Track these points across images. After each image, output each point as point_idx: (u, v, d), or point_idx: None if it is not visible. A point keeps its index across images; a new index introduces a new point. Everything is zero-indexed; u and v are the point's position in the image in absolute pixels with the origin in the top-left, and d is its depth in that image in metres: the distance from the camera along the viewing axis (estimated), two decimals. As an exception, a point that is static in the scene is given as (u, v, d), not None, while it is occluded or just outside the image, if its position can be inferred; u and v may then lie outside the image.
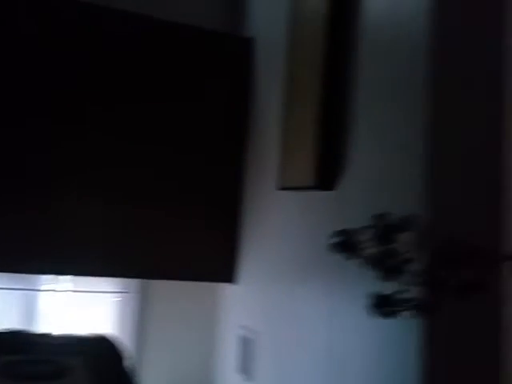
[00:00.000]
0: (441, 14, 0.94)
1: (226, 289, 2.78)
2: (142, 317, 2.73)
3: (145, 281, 2.74)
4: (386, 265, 0.73)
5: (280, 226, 2.27)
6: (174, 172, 2.57)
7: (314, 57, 1.98)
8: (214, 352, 2.82)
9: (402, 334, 0.97)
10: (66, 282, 2.68)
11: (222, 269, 2.67)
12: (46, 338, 1.48)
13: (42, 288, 2.65)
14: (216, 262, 2.66)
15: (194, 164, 2.61)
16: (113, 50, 2.50)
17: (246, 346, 2.41)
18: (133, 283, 2.76)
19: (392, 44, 1.57)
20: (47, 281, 2.66)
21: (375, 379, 1.25)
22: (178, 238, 2.58)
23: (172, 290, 2.74)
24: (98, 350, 1.37)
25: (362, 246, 0.74)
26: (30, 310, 2.60)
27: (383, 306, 0.74)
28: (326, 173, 1.91)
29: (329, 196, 1.88)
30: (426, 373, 0.84)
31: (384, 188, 1.43)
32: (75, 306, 2.68)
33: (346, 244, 0.75)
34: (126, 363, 1.35)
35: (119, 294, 2.75)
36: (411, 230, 0.74)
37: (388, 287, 0.76)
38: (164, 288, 2.74)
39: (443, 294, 0.74)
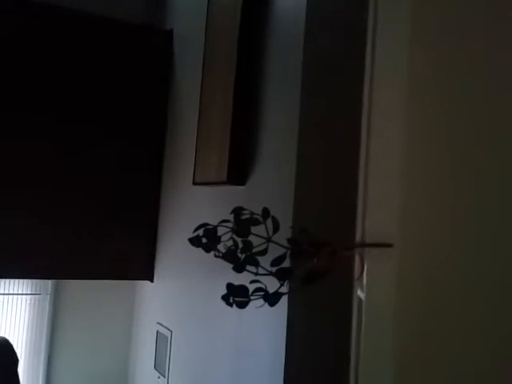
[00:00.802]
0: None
1: (143, 287, 2.78)
2: (56, 318, 2.69)
3: (59, 282, 2.70)
4: (239, 257, 0.78)
5: (193, 221, 2.29)
6: (92, 170, 2.54)
7: (229, 50, 2.02)
8: (132, 350, 2.83)
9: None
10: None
11: (141, 267, 2.67)
12: None
13: None
14: (134, 260, 2.66)
15: (113, 161, 2.59)
16: (32, 43, 2.44)
17: (161, 343, 2.44)
18: (46, 285, 2.70)
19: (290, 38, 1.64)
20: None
21: (277, 374, 1.31)
22: (95, 236, 2.55)
23: (87, 290, 2.72)
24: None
25: (220, 240, 0.79)
26: None
27: (236, 295, 0.79)
28: (238, 168, 1.96)
29: (239, 190, 1.94)
30: (288, 354, 0.91)
31: (279, 187, 1.50)
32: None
33: (205, 237, 0.80)
34: (16, 368, 1.33)
35: (32, 296, 2.69)
36: (265, 223, 0.80)
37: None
38: (79, 289, 2.71)
39: (292, 283, 0.80)
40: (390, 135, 0.82)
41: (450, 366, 0.90)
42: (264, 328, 1.69)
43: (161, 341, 2.45)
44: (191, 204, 2.35)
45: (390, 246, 0.85)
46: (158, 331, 2.50)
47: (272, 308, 1.66)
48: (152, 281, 2.66)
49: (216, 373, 1.98)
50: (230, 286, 0.80)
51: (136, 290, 2.87)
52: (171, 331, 2.37)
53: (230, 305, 0.80)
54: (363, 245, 0.83)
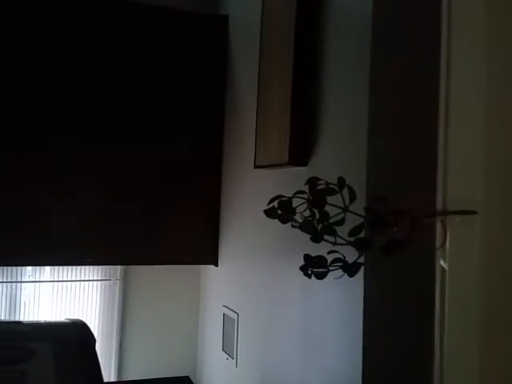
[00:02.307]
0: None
1: (208, 270, 2.84)
2: (125, 303, 2.79)
3: (127, 267, 2.80)
4: (317, 227, 0.77)
5: (256, 204, 2.32)
6: (153, 157, 2.61)
7: (287, 35, 2.01)
8: (200, 332, 2.90)
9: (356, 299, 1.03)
10: (48, 271, 2.73)
11: (206, 251, 2.72)
12: (14, 325, 1.52)
13: (24, 279, 2.70)
14: (199, 245, 2.72)
15: (173, 147, 2.64)
16: (87, 33, 2.52)
17: (228, 325, 2.48)
18: (115, 271, 2.81)
19: (352, 23, 1.61)
20: (30, 272, 2.70)
21: (347, 352, 1.31)
22: (160, 222, 2.62)
23: (154, 275, 2.80)
24: (65, 335, 1.41)
25: (296, 211, 0.79)
26: (13, 302, 2.65)
27: (314, 266, 0.79)
28: (299, 149, 1.96)
29: (301, 172, 1.93)
30: (366, 328, 0.90)
31: (348, 162, 1.48)
32: (58, 296, 2.73)
33: (280, 209, 0.80)
34: (94, 348, 1.40)
35: (103, 282, 2.81)
36: (341, 193, 0.79)
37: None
38: (146, 274, 2.80)
39: (371, 253, 0.79)
40: (472, 92, 0.78)
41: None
42: (332, 306, 1.68)
43: (228, 323, 2.50)
44: (253, 187, 2.37)
45: (473, 213, 0.82)
46: (224, 314, 2.54)
47: (340, 286, 1.65)
48: (216, 265, 2.71)
49: (284, 352, 1.99)
50: (307, 256, 0.79)
51: (201, 273, 2.94)
52: (238, 313, 2.41)
53: (309, 276, 0.80)
54: (445, 212, 0.81)
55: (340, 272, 0.80)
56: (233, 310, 2.46)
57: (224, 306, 2.57)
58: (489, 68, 0.83)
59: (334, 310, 1.68)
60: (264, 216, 2.19)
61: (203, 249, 2.70)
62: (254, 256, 2.33)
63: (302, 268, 0.79)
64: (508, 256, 0.83)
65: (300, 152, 1.96)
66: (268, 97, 2.17)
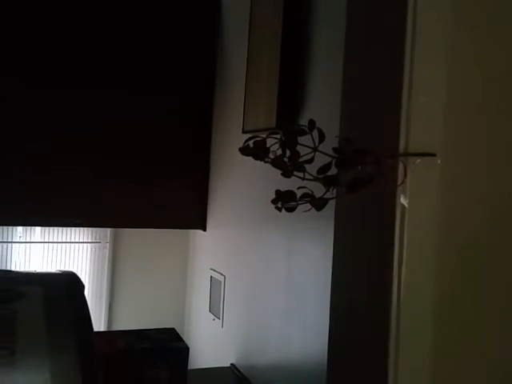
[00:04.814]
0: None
1: (196, 235, 2.93)
2: (115, 265, 2.89)
3: (117, 230, 2.88)
4: (288, 164, 0.86)
5: (243, 169, 2.40)
6: (143, 121, 2.67)
7: (276, 8, 2.07)
8: (188, 294, 3.00)
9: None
10: (38, 233, 2.80)
11: (194, 216, 2.81)
12: (4, 272, 1.61)
13: (15, 240, 2.78)
14: (188, 210, 2.80)
15: (164, 115, 2.71)
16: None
17: (215, 287, 2.58)
18: (105, 233, 2.89)
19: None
20: (21, 233, 2.78)
21: (327, 307, 1.40)
22: (149, 187, 2.70)
23: (144, 238, 2.89)
24: (55, 280, 1.49)
25: (269, 150, 0.87)
26: (3, 263, 2.73)
27: (285, 200, 0.87)
28: (285, 114, 2.03)
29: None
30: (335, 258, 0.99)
31: (334, 118, 1.56)
32: (48, 257, 2.81)
33: (255, 148, 0.88)
34: (83, 294, 1.49)
35: (92, 244, 2.89)
36: (311, 134, 0.87)
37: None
38: (136, 237, 2.89)
39: (337, 190, 0.87)
40: (435, 40, 0.86)
41: (493, 274, 0.95)
42: (313, 266, 1.78)
43: (214, 285, 2.60)
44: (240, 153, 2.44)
45: (433, 155, 0.90)
46: (211, 276, 2.65)
47: (321, 245, 1.75)
48: (205, 230, 2.80)
49: (268, 311, 2.10)
50: (278, 191, 0.88)
51: (190, 238, 3.03)
52: (224, 276, 2.51)
53: (279, 209, 0.88)
54: (406, 154, 0.89)
55: (309, 206, 0.88)
56: (220, 273, 2.56)
57: (211, 269, 2.67)
58: (454, 20, 0.91)
59: (314, 269, 1.78)
60: (251, 180, 2.29)
61: (192, 214, 2.79)
62: (240, 221, 2.42)
63: (272, 201, 0.87)
64: (463, 195, 0.92)
65: (286, 117, 2.04)
66: (257, 63, 2.25)
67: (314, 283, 1.82)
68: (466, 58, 0.91)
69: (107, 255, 2.89)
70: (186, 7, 2.75)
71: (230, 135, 2.57)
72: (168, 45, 2.71)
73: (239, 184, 2.47)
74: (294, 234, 1.94)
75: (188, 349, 1.87)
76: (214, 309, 2.60)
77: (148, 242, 2.93)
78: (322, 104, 1.83)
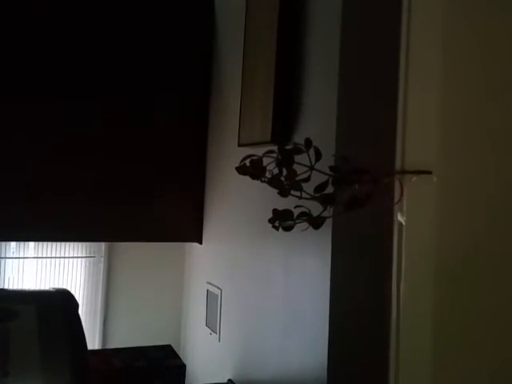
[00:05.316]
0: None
1: (192, 248, 2.92)
2: (110, 280, 2.87)
3: (112, 244, 2.87)
4: (284, 183, 0.86)
5: (239, 182, 2.40)
6: (139, 136, 2.67)
7: (271, 16, 2.08)
8: (184, 308, 2.99)
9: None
10: (32, 248, 2.78)
11: (190, 229, 2.80)
12: (-1, 291, 1.60)
13: (8, 255, 2.75)
14: (183, 223, 2.79)
15: (159, 127, 2.71)
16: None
17: (212, 301, 2.57)
18: (100, 248, 2.88)
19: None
20: (14, 248, 2.76)
21: (326, 322, 1.40)
22: (144, 200, 2.69)
23: (139, 252, 2.88)
24: (49, 299, 1.48)
25: (266, 169, 0.87)
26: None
27: (282, 219, 0.87)
28: (281, 128, 2.04)
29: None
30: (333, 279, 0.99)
31: (330, 130, 1.56)
32: (42, 272, 2.79)
33: (252, 167, 0.88)
34: (77, 312, 1.48)
35: (87, 259, 2.87)
36: (308, 153, 0.87)
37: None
38: (131, 251, 2.87)
39: (334, 208, 0.87)
40: (428, 61, 0.87)
41: (490, 288, 0.95)
42: (311, 280, 1.77)
43: (211, 299, 2.59)
44: (236, 165, 2.44)
45: (429, 173, 0.91)
46: (208, 290, 2.63)
47: (318, 259, 1.74)
48: (201, 243, 2.79)
49: (265, 325, 2.09)
50: (275, 210, 0.88)
51: (185, 251, 3.02)
52: (221, 289, 2.50)
53: (276, 228, 0.88)
54: (403, 172, 0.89)
55: (306, 224, 0.88)
56: (216, 286, 2.55)
57: (208, 282, 2.66)
58: (446, 44, 0.92)
59: (312, 285, 1.77)
60: (248, 193, 2.28)
61: (187, 226, 2.78)
62: (237, 234, 2.41)
63: (269, 220, 0.87)
64: (458, 212, 0.93)
65: (282, 131, 2.04)
66: (252, 76, 2.25)
67: (312, 298, 1.81)
68: (461, 80, 0.91)
69: (102, 270, 2.88)
70: (182, 15, 2.75)
71: (225, 148, 2.57)
72: (165, 58, 2.71)
73: (235, 197, 2.46)
74: (291, 248, 1.93)
75: (185, 366, 1.86)
76: (211, 323, 2.59)
77: (143, 256, 2.91)
78: (318, 117, 1.83)
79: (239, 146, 2.30)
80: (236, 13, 2.47)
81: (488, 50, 0.95)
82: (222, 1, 2.76)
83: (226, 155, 2.56)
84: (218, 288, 2.53)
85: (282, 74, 2.02)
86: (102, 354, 1.94)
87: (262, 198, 2.14)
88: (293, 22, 2.00)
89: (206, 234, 2.77)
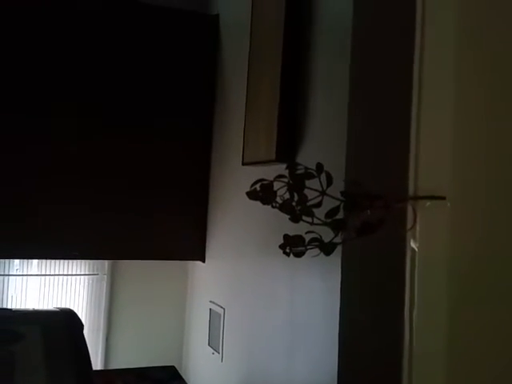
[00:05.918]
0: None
1: (195, 266, 2.90)
2: (112, 298, 2.84)
3: (115, 262, 2.85)
4: (296, 209, 0.84)
5: (243, 201, 2.38)
6: (143, 153, 2.66)
7: (276, 35, 2.09)
8: (186, 327, 2.95)
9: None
10: (35, 265, 2.76)
11: (193, 247, 2.78)
12: (2, 311, 1.57)
13: (12, 273, 2.73)
14: (186, 241, 2.78)
15: (163, 144, 2.70)
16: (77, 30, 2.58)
17: (214, 320, 2.54)
18: (103, 265, 2.86)
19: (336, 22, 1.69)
20: (17, 265, 2.74)
21: (332, 344, 1.38)
22: (148, 219, 2.68)
23: (142, 269, 2.85)
24: (54, 320, 1.46)
25: (276, 194, 0.86)
26: (0, 296, 2.68)
27: (293, 245, 0.86)
28: (286, 147, 2.03)
29: (288, 168, 2.00)
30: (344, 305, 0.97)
31: (332, 158, 1.55)
32: (45, 290, 2.77)
33: (262, 191, 0.86)
34: (82, 333, 1.46)
35: (90, 277, 2.85)
36: (319, 177, 0.86)
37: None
38: (134, 268, 2.85)
39: (346, 234, 0.86)
40: (442, 87, 0.86)
41: (505, 317, 0.93)
42: (316, 301, 1.75)
43: (214, 318, 2.56)
44: (240, 184, 2.43)
45: (442, 198, 0.89)
46: (210, 309, 2.60)
47: (324, 281, 1.72)
48: (204, 261, 2.77)
49: (269, 346, 2.06)
50: (286, 236, 0.86)
51: (188, 269, 3.00)
52: (224, 309, 2.47)
53: (287, 254, 0.86)
54: (416, 197, 0.88)
55: (317, 250, 0.86)
56: (219, 306, 2.52)
57: (210, 301, 2.63)
58: (459, 64, 0.91)
59: (318, 305, 1.75)
60: (252, 212, 2.27)
61: (191, 245, 2.76)
62: (240, 253, 2.39)
63: (281, 246, 0.86)
64: (473, 239, 0.91)
65: (286, 149, 2.04)
66: (257, 95, 2.25)
67: (317, 319, 1.78)
68: (473, 101, 0.90)
69: (105, 287, 2.85)
70: (187, 35, 2.77)
71: (229, 166, 2.56)
72: (169, 76, 2.72)
73: (239, 215, 2.45)
74: (297, 268, 1.91)
75: (188, 388, 1.82)
76: (214, 342, 2.56)
77: (146, 274, 2.89)
78: (324, 135, 1.83)
79: (243, 164, 2.29)
80: (241, 30, 2.47)
81: (503, 70, 0.94)
82: (226, 19, 2.77)
83: (230, 173, 2.55)
84: (221, 307, 2.50)
85: (287, 92, 2.02)
86: (106, 374, 1.91)
87: (265, 216, 2.12)
88: (298, 39, 2.00)
89: (209, 253, 2.75)
